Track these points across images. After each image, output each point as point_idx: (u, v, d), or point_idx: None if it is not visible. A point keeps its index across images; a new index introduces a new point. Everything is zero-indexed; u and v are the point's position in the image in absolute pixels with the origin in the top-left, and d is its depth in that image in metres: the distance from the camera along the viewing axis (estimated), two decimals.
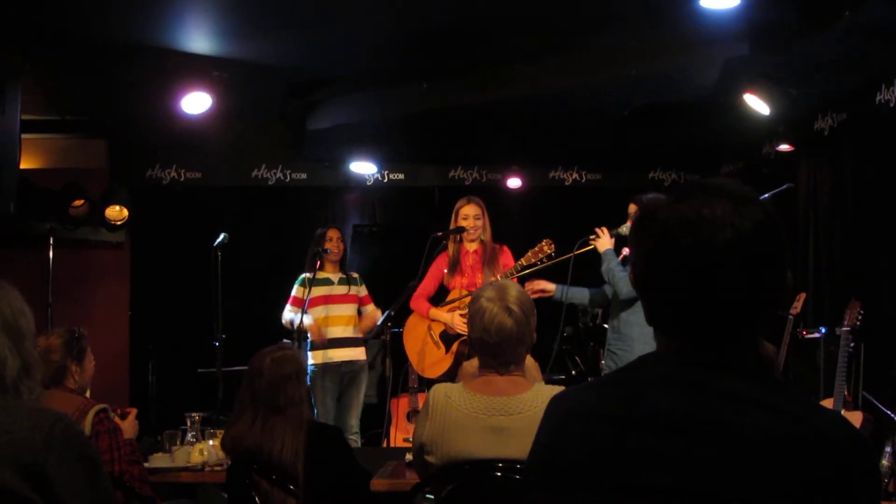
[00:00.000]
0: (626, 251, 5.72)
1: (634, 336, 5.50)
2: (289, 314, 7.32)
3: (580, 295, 6.05)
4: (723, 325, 1.52)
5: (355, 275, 7.52)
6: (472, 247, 6.41)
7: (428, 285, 6.51)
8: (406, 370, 7.32)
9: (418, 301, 6.49)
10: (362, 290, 7.52)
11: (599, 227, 5.72)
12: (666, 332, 1.58)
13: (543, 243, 5.98)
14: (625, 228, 5.58)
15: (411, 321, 6.62)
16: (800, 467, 1.39)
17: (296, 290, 7.35)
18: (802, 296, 6.65)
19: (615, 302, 5.65)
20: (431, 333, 6.36)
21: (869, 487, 1.43)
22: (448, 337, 6.27)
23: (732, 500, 1.39)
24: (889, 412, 5.39)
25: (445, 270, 6.48)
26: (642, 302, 1.61)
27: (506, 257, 6.29)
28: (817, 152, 7.91)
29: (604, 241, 5.65)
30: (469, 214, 6.35)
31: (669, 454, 1.44)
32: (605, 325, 6.25)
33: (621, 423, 1.51)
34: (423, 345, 6.47)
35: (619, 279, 5.48)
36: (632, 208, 5.65)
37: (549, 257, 5.92)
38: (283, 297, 7.58)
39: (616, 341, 5.62)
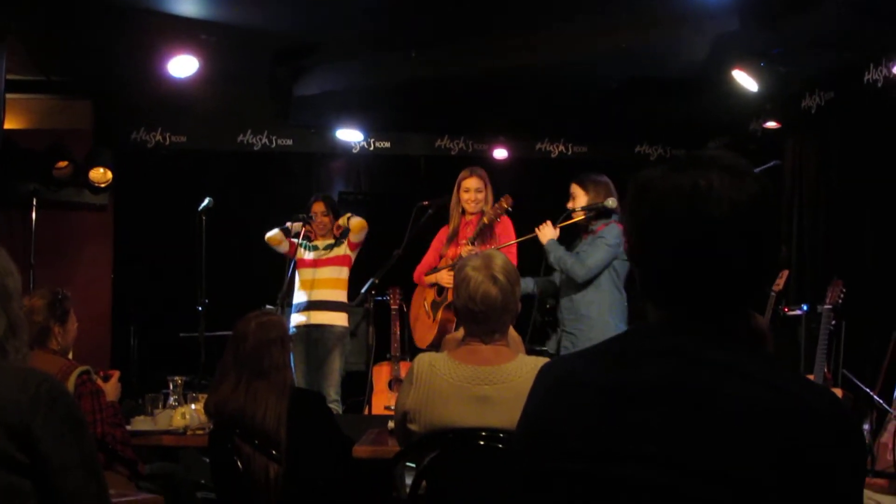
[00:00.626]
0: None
1: (593, 315, 5.48)
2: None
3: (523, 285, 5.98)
4: (715, 296, 1.52)
5: (344, 221, 7.38)
6: (471, 217, 6.33)
7: (430, 258, 6.45)
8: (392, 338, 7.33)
9: (419, 274, 6.47)
10: (351, 238, 7.39)
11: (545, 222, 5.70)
12: (658, 303, 1.58)
13: (502, 199, 5.95)
14: (611, 202, 5.50)
15: (415, 295, 6.60)
16: (787, 439, 1.39)
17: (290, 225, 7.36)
18: (785, 273, 6.65)
19: (569, 284, 5.59)
20: (424, 304, 6.34)
21: (855, 460, 1.43)
22: (436, 305, 6.24)
23: (720, 471, 1.39)
24: (868, 390, 5.40)
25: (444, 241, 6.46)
26: (636, 272, 1.61)
27: (503, 227, 6.15)
28: (804, 130, 7.90)
29: (546, 233, 5.61)
30: (470, 187, 6.24)
31: (659, 424, 1.44)
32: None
33: (611, 392, 1.51)
34: (418, 315, 6.47)
35: (573, 264, 5.45)
36: (573, 189, 5.62)
37: (507, 212, 5.92)
38: (267, 263, 7.60)
39: (574, 322, 5.58)
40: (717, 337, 1.51)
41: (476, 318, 3.17)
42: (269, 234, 7.22)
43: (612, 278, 5.50)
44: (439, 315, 6.17)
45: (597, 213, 5.57)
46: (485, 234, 6.02)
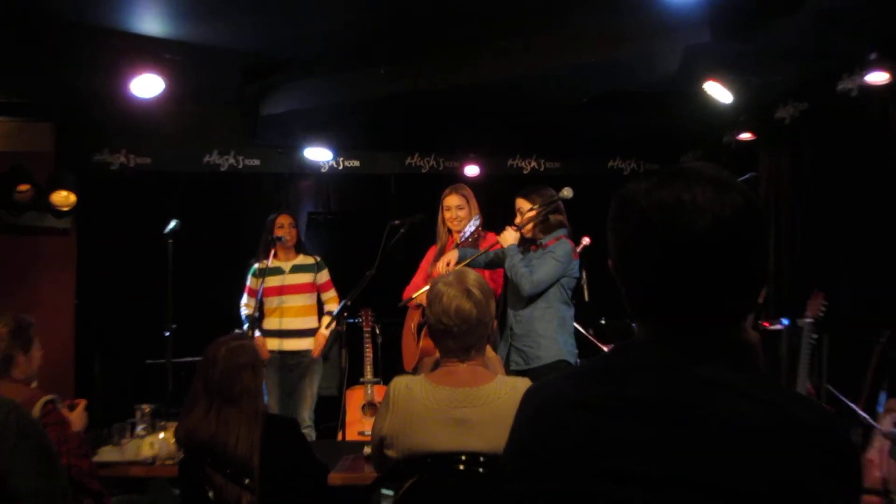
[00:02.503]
0: (585, 240, 5.61)
1: (543, 332, 5.36)
2: (245, 310, 7.22)
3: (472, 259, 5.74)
4: (701, 311, 1.51)
5: (314, 259, 7.31)
6: (458, 236, 6.21)
7: (418, 279, 6.38)
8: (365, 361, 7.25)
9: (407, 296, 6.36)
10: (322, 276, 7.33)
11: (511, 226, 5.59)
12: (644, 320, 1.58)
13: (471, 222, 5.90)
14: (566, 192, 5.42)
15: (406, 317, 6.50)
16: (778, 455, 1.37)
17: (249, 281, 7.21)
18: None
19: (517, 296, 5.47)
20: (412, 326, 6.27)
21: (849, 475, 1.42)
22: (421, 327, 6.17)
23: (712, 487, 1.37)
24: (853, 405, 5.33)
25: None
26: (621, 288, 1.59)
27: (488, 244, 5.97)
28: (778, 141, 7.86)
29: (506, 237, 5.49)
30: (451, 205, 6.18)
31: (649, 441, 1.43)
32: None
33: (600, 411, 1.50)
34: (406, 339, 6.41)
35: (521, 276, 5.31)
36: (519, 203, 5.55)
37: (474, 236, 5.87)
38: (236, 287, 7.46)
39: (523, 338, 5.44)
40: (705, 352, 1.50)
41: (451, 334, 3.12)
42: (242, 313, 7.22)
43: (561, 294, 5.38)
44: (421, 341, 6.08)
45: (555, 207, 5.46)
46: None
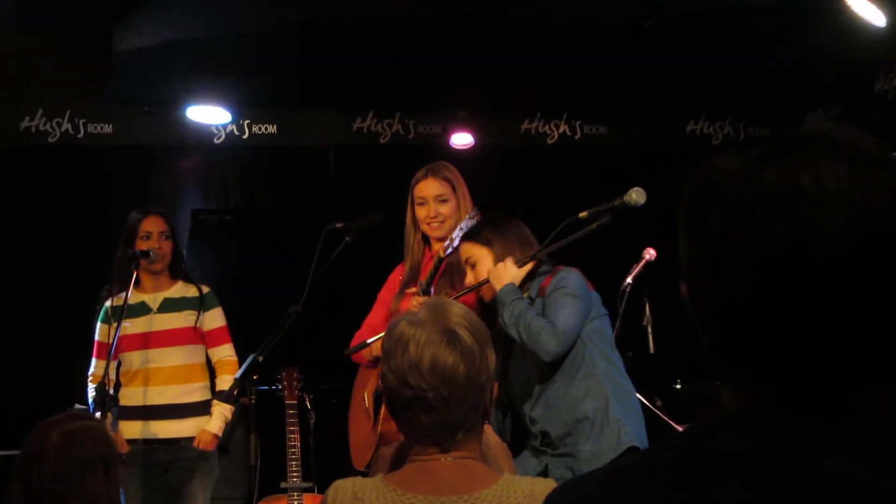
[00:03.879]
0: (649, 254, 5.37)
1: (595, 415, 4.59)
2: (91, 385, 6.09)
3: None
4: (834, 365, 1.14)
5: (200, 291, 6.18)
6: (440, 246, 5.20)
7: (375, 319, 5.44)
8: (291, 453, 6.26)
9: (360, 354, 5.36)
10: (211, 318, 6.13)
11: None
12: (742, 378, 1.20)
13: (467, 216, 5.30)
14: (635, 195, 4.57)
15: (356, 380, 5.51)
16: None
17: (98, 331, 6.01)
18: None
19: (538, 370, 4.65)
20: (365, 395, 5.36)
21: None
22: (380, 398, 5.33)
23: None
24: None
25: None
26: (700, 325, 1.25)
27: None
28: None
29: (500, 273, 4.62)
30: (427, 196, 5.20)
31: None
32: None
33: None
34: (355, 417, 5.47)
35: (540, 328, 4.47)
36: (467, 249, 4.86)
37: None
38: (77, 333, 6.39)
39: (566, 436, 4.59)
40: (845, 434, 1.13)
41: (424, 405, 2.47)
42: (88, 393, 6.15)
43: (598, 345, 4.62)
44: (381, 422, 5.17)
45: (611, 216, 4.66)
46: (450, 274, 5.17)
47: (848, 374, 1.14)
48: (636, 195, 4.54)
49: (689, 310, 1.24)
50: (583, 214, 4.74)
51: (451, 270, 5.16)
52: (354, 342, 5.38)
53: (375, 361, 5.29)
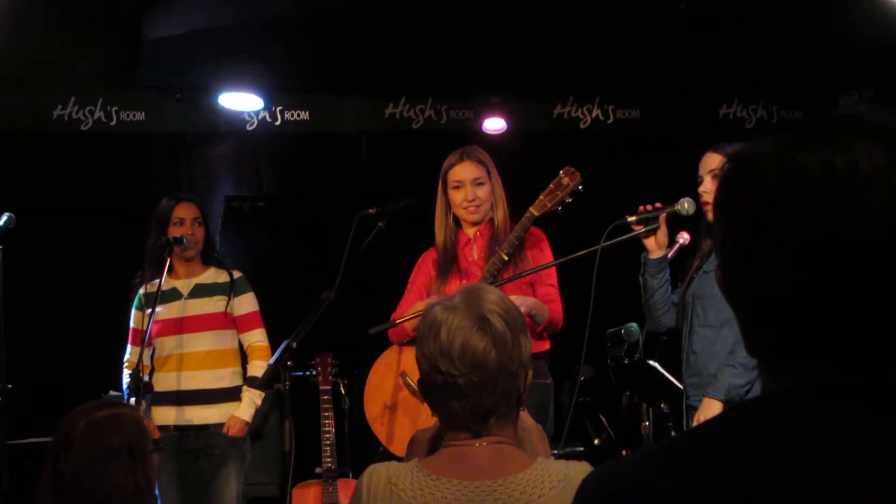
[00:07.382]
0: (682, 238, 5.25)
1: (736, 359, 4.57)
2: (126, 372, 6.13)
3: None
4: (875, 347, 1.15)
5: (231, 276, 6.21)
6: (473, 231, 5.36)
7: (406, 304, 5.42)
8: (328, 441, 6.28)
9: (398, 332, 5.33)
10: (242, 303, 6.14)
11: (648, 205, 4.81)
12: (777, 361, 1.23)
13: (562, 173, 5.27)
14: (686, 205, 4.61)
15: (379, 369, 5.42)
16: None
17: (133, 318, 6.05)
18: None
19: (703, 325, 4.76)
20: (408, 381, 5.22)
21: None
22: None
23: None
24: None
25: (434, 273, 5.50)
26: (735, 310, 1.27)
27: (537, 247, 5.25)
28: None
29: (653, 240, 4.76)
30: (464, 180, 5.26)
31: None
32: (651, 363, 5.97)
33: None
34: (393, 403, 5.35)
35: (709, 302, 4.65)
36: (710, 161, 4.64)
37: (572, 194, 5.17)
38: (109, 319, 6.50)
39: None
40: (887, 418, 1.14)
41: (454, 392, 2.54)
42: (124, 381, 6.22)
43: None
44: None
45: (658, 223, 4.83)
46: (519, 251, 5.20)
47: (886, 352, 1.14)
48: (688, 205, 4.63)
49: (725, 294, 1.25)
50: (631, 218, 4.83)
51: (517, 250, 5.23)
52: (397, 315, 5.47)
53: (411, 341, 5.36)
